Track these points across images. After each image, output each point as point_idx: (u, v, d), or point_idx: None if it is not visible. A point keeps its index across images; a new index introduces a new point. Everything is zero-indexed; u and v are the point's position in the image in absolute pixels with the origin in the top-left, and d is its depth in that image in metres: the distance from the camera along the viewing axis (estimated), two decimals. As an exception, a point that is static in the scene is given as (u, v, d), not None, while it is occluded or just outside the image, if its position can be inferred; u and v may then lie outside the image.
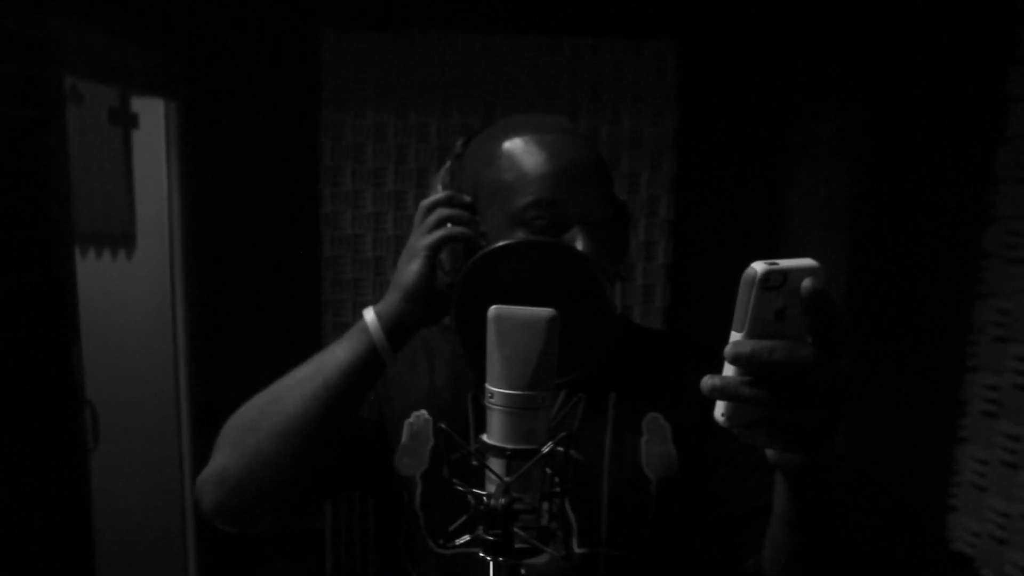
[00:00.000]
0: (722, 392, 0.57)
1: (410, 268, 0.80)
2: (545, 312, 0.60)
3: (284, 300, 2.59)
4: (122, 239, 2.51)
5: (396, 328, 0.80)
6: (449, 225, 0.82)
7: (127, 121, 2.39)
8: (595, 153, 0.87)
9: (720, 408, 0.59)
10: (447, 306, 0.83)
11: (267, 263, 2.55)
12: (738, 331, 0.57)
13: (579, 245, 0.80)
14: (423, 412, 0.92)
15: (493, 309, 0.60)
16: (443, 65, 2.51)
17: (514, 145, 0.84)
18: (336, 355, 0.81)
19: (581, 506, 0.85)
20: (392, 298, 0.81)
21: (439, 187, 0.91)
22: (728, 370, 0.58)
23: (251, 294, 2.55)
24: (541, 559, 0.80)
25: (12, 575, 1.56)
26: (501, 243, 0.75)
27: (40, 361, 1.66)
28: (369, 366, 0.80)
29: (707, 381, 0.58)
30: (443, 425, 0.62)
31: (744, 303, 0.56)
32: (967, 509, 1.65)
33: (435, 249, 0.80)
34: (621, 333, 0.94)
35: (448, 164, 0.93)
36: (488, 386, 0.61)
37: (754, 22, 2.47)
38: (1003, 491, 1.55)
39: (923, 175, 1.87)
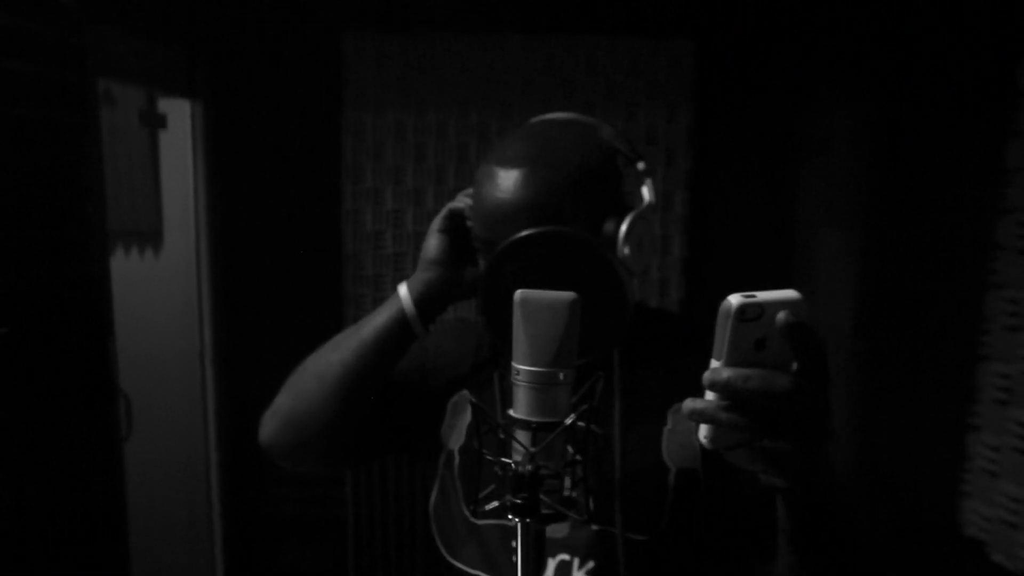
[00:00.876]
0: (701, 416, 0.61)
1: (428, 243, 0.95)
2: (567, 295, 0.64)
3: (306, 295, 2.64)
4: (150, 236, 2.58)
5: (424, 294, 0.92)
6: (454, 204, 0.94)
7: (156, 122, 2.46)
8: (550, 181, 0.84)
9: (703, 431, 0.63)
10: (475, 285, 0.92)
11: (290, 259, 2.61)
12: (716, 359, 0.60)
13: None
14: (465, 392, 1.00)
15: (519, 293, 0.65)
16: (461, 65, 2.55)
17: (481, 174, 0.88)
18: (374, 319, 0.94)
19: (597, 484, 0.88)
20: (419, 269, 0.94)
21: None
22: (709, 395, 0.61)
23: (274, 289, 2.61)
24: (562, 531, 0.85)
25: (51, 559, 1.63)
26: (521, 234, 0.80)
27: (77, 354, 1.72)
28: (400, 331, 0.92)
29: (688, 404, 0.62)
30: (474, 400, 0.67)
31: (721, 333, 0.59)
32: (980, 495, 1.68)
33: (443, 222, 0.94)
34: (646, 319, 0.97)
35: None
36: (514, 364, 0.65)
37: (767, 20, 2.50)
38: (1015, 477, 1.57)
39: (935, 169, 1.90)
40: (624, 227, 0.84)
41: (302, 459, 0.99)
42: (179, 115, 2.44)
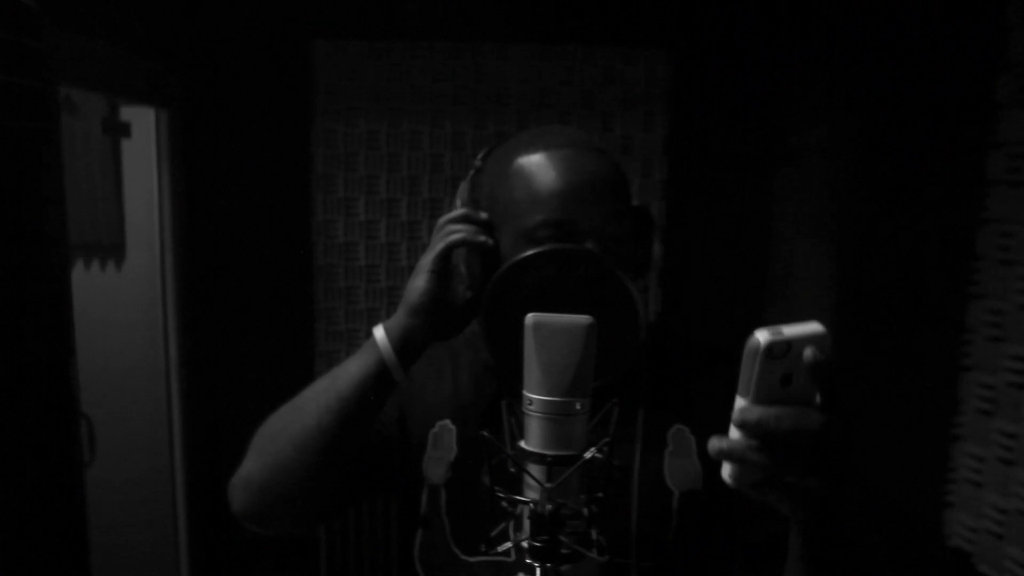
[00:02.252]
0: (729, 456, 0.59)
1: (415, 285, 0.82)
2: (583, 319, 0.60)
3: (276, 310, 2.57)
4: (112, 250, 2.48)
5: (405, 344, 0.82)
6: (450, 237, 0.83)
7: (119, 130, 2.37)
8: (610, 166, 0.86)
9: (727, 469, 0.61)
10: (460, 320, 0.85)
11: (259, 272, 2.54)
12: (743, 396, 0.58)
13: None
14: (447, 422, 0.93)
15: (531, 317, 0.61)
16: (435, 74, 2.51)
17: (526, 162, 0.84)
18: (349, 370, 0.84)
19: (610, 515, 0.85)
20: (399, 314, 0.83)
21: (458, 202, 0.91)
22: (735, 433, 0.59)
23: (243, 304, 2.54)
24: (574, 566, 0.81)
25: (9, 593, 1.54)
26: (528, 252, 0.76)
27: (36, 375, 1.63)
28: (380, 381, 0.82)
29: (714, 443, 0.59)
30: (485, 433, 0.63)
31: (748, 371, 0.57)
32: (964, 505, 1.68)
33: (438, 262, 0.82)
34: (648, 340, 0.94)
35: (468, 178, 0.93)
36: (526, 393, 0.61)
37: (742, 30, 2.50)
38: (999, 487, 1.58)
39: (914, 180, 1.91)
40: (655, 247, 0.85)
41: (281, 525, 0.92)
42: (143, 123, 2.36)
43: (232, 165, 2.48)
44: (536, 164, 0.83)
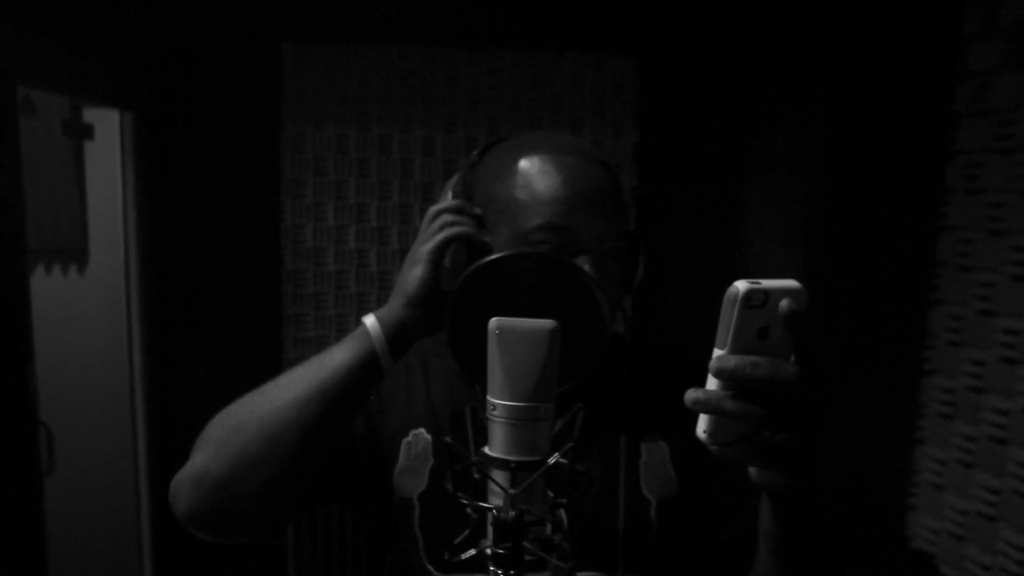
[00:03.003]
0: (705, 405, 0.59)
1: (412, 273, 0.79)
2: (547, 323, 0.60)
3: (244, 316, 2.54)
4: (74, 254, 2.43)
5: (398, 335, 0.79)
6: (452, 228, 0.81)
7: (81, 132, 2.32)
8: (614, 181, 0.85)
9: (703, 424, 0.60)
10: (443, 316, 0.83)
11: (226, 277, 2.50)
12: (720, 348, 0.58)
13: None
14: (421, 431, 0.89)
15: (494, 321, 0.60)
16: (405, 78, 2.50)
17: (531, 163, 0.82)
18: (335, 358, 0.78)
19: (580, 525, 0.83)
20: (395, 304, 0.80)
21: (449, 195, 0.88)
22: (711, 384, 0.59)
23: (210, 309, 2.50)
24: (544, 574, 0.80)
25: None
26: (493, 256, 0.75)
27: (-7, 382, 1.59)
28: (368, 371, 0.78)
29: (690, 394, 0.59)
30: (448, 439, 0.62)
31: (727, 320, 0.58)
32: (926, 508, 1.71)
33: (437, 253, 0.79)
34: (617, 348, 0.93)
35: (460, 173, 0.90)
36: (490, 398, 0.61)
37: (713, 40, 2.53)
38: (960, 490, 1.60)
39: (876, 188, 1.94)
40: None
41: (233, 531, 0.81)
42: (107, 125, 2.32)
43: (198, 168, 2.45)
44: (541, 166, 0.82)
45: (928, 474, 1.70)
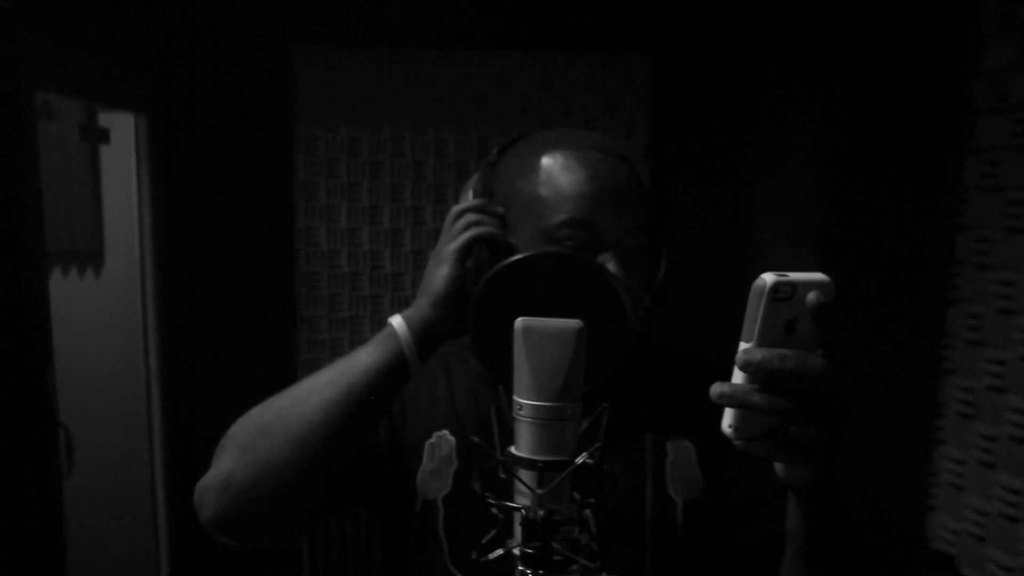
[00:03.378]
0: (731, 399, 0.58)
1: (439, 273, 0.79)
2: (573, 323, 0.60)
3: (258, 318, 2.55)
4: (90, 257, 2.45)
5: (425, 335, 0.78)
6: (477, 228, 0.80)
7: (97, 136, 2.34)
8: (636, 177, 0.84)
9: (728, 419, 0.60)
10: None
11: (240, 280, 2.51)
12: (747, 341, 0.58)
13: (611, 269, 0.78)
14: (445, 432, 0.88)
15: (520, 321, 0.60)
16: (415, 80, 2.51)
17: (553, 160, 0.82)
18: (361, 360, 0.78)
19: (606, 526, 0.84)
20: (422, 304, 0.79)
21: (470, 195, 0.88)
22: (738, 377, 0.59)
23: (224, 312, 2.51)
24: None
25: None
26: (515, 257, 0.75)
27: (12, 384, 1.60)
28: (395, 373, 0.77)
29: (716, 388, 0.59)
30: (476, 438, 0.62)
31: (753, 313, 0.57)
32: (946, 509, 1.69)
33: (463, 252, 0.79)
34: (642, 348, 0.93)
35: (480, 172, 0.89)
36: (516, 398, 0.61)
37: (724, 38, 2.52)
38: (981, 490, 1.59)
39: (892, 186, 1.93)
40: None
41: (260, 534, 0.80)
42: (122, 129, 2.34)
43: (212, 171, 2.46)
44: (565, 163, 0.81)
45: (948, 475, 1.69)
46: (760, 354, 0.57)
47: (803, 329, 0.58)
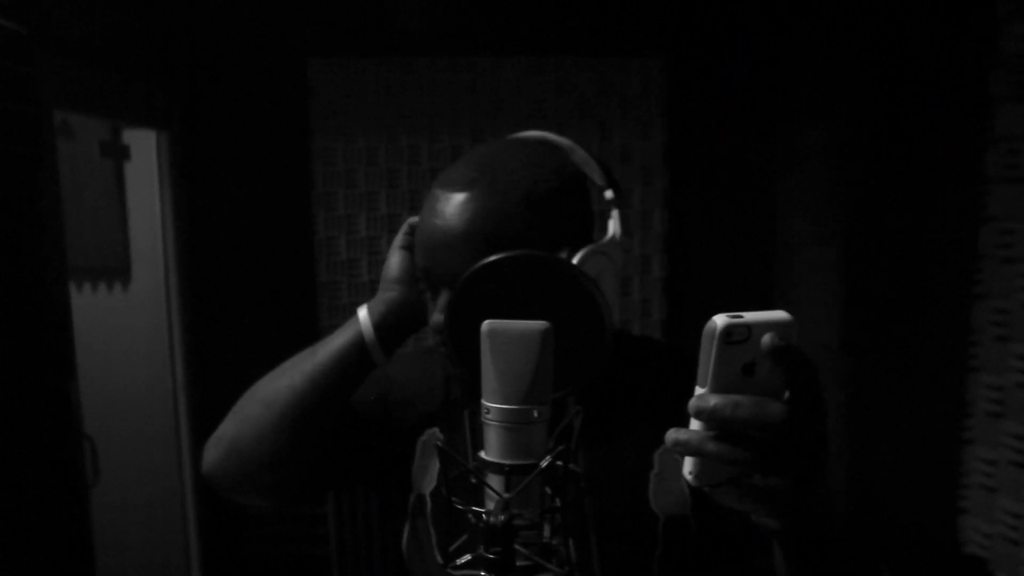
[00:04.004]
0: (685, 447, 0.56)
1: (388, 261, 0.89)
2: (538, 325, 0.59)
3: (281, 328, 2.57)
4: (117, 272, 2.50)
5: (385, 317, 0.85)
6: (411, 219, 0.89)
7: (119, 153, 2.39)
8: (500, 209, 0.78)
9: (688, 465, 0.58)
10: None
11: (263, 290, 2.55)
12: (702, 386, 0.56)
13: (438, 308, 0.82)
14: (435, 430, 0.92)
15: (486, 324, 0.59)
16: (430, 88, 2.52)
17: (427, 197, 0.85)
18: (330, 342, 0.87)
19: (580, 534, 0.82)
20: (379, 292, 0.88)
21: None
22: (695, 424, 0.56)
23: (248, 323, 2.54)
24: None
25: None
26: (487, 259, 0.74)
27: (37, 398, 1.64)
28: (358, 356, 0.84)
29: (671, 435, 0.57)
30: (439, 443, 0.61)
31: (706, 357, 0.55)
32: (978, 511, 1.64)
33: (403, 239, 0.88)
34: (624, 346, 0.92)
35: None
36: (484, 402, 0.60)
37: (738, 36, 2.49)
38: (1013, 491, 1.53)
39: (914, 180, 1.88)
40: (575, 260, 0.77)
41: (246, 492, 0.90)
42: (144, 146, 2.39)
43: (233, 185, 2.50)
44: (427, 201, 0.84)
45: (978, 476, 1.63)
46: (712, 401, 0.54)
47: (763, 372, 0.55)
